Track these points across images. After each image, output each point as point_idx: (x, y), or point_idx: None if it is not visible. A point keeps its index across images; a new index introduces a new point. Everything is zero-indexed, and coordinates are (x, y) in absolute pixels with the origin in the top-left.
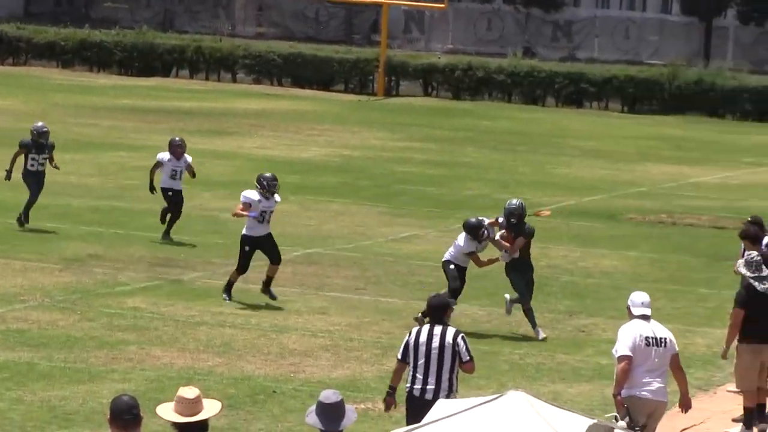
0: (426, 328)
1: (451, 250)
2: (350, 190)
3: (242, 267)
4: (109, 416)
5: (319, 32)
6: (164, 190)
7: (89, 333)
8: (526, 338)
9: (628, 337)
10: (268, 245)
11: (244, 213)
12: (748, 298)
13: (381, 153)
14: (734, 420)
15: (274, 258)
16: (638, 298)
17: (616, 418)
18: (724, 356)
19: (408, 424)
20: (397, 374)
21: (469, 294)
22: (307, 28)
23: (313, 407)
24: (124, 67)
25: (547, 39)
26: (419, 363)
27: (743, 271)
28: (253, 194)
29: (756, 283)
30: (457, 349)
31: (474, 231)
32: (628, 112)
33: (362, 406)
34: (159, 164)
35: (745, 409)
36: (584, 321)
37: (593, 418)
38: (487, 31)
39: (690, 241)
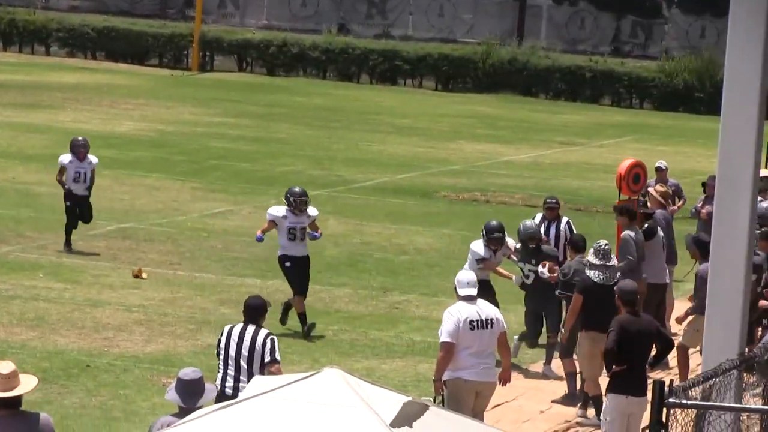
0: (239, 327)
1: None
2: (164, 165)
3: (296, 285)
4: None
5: (133, 6)
6: (66, 196)
7: None
8: (339, 313)
9: (450, 322)
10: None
11: (259, 233)
12: (585, 286)
13: (195, 128)
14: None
15: (302, 287)
16: (464, 277)
17: (434, 400)
18: (564, 339)
19: None
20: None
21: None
22: (122, 1)
23: (173, 384)
24: None
25: (362, 16)
26: (230, 362)
27: (591, 258)
28: (278, 210)
29: (594, 272)
30: (264, 349)
31: (491, 232)
32: (442, 90)
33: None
34: (63, 169)
35: (588, 396)
36: (398, 298)
37: (408, 395)
38: (301, 7)
39: (503, 219)
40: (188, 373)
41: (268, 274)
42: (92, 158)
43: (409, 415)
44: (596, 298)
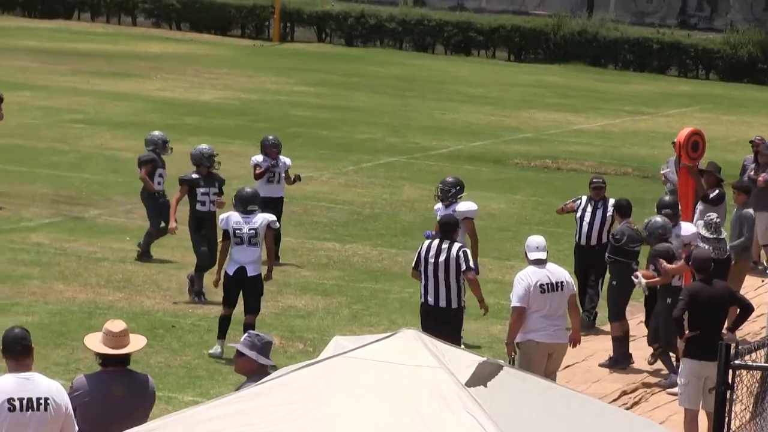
0: (435, 243)
1: None
2: (247, 133)
3: None
4: (1, 348)
5: None
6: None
7: None
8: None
9: (521, 287)
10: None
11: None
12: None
13: (276, 97)
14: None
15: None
16: (533, 242)
17: (508, 362)
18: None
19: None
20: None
21: (361, 235)
22: None
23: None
24: (26, 9)
25: None
26: (429, 274)
27: (702, 231)
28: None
29: (706, 246)
30: (459, 260)
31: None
32: (514, 60)
33: None
34: (257, 167)
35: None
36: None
37: (482, 356)
38: None
39: (573, 185)
40: (264, 336)
41: (346, 238)
42: (285, 159)
43: (483, 375)
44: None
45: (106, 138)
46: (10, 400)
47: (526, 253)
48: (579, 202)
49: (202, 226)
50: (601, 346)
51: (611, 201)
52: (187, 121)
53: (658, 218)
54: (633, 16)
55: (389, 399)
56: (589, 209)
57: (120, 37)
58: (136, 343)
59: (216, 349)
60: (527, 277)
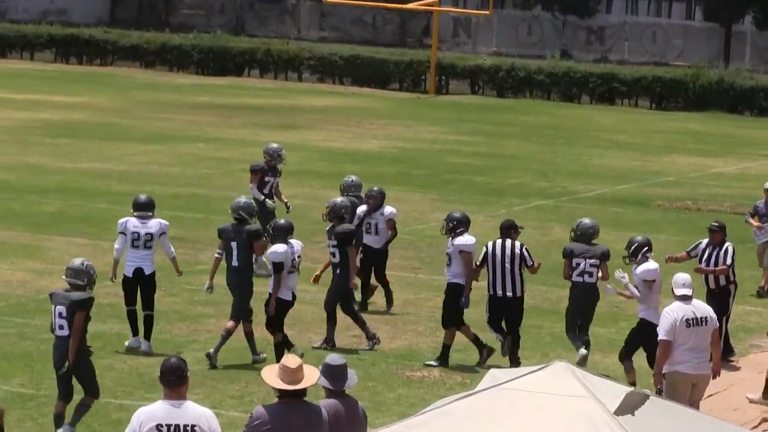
0: (499, 242)
1: None
2: (405, 179)
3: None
4: (159, 375)
5: (376, 36)
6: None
7: (172, 307)
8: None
9: (668, 321)
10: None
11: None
12: None
13: (433, 145)
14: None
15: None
16: (680, 279)
17: (654, 392)
18: None
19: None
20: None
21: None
22: (366, 32)
23: (320, 369)
24: (200, 67)
25: (582, 43)
26: (497, 268)
27: None
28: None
29: None
30: (523, 255)
31: None
32: (655, 108)
33: (418, 373)
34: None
35: None
36: (617, 298)
37: (630, 387)
38: (527, 35)
39: None
40: (335, 359)
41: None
42: (388, 208)
43: (631, 404)
44: None
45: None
46: (158, 426)
47: (672, 289)
48: (700, 245)
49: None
50: (739, 376)
51: (728, 245)
52: (350, 169)
53: None
54: (767, 65)
55: (543, 427)
56: (707, 253)
57: (287, 92)
58: (311, 377)
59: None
60: (674, 312)
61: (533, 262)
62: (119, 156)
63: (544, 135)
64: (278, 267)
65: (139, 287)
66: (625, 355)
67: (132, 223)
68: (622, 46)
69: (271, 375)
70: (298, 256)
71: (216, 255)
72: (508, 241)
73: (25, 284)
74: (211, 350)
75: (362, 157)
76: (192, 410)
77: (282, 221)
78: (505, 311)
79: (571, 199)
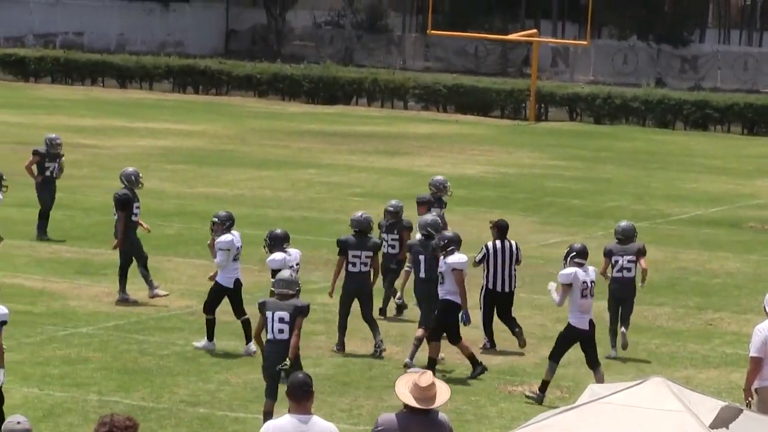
0: (498, 242)
1: None
2: (506, 203)
3: None
4: (286, 390)
5: (478, 66)
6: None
7: None
8: (661, 329)
9: (759, 339)
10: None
11: None
12: None
13: (532, 170)
14: None
15: None
16: None
17: (746, 406)
18: None
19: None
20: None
21: None
22: (468, 62)
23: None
24: (311, 96)
25: (676, 71)
26: (498, 264)
27: None
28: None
29: None
30: (518, 252)
31: None
32: (747, 134)
33: (519, 389)
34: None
35: None
36: (711, 315)
37: (724, 401)
38: (623, 64)
39: None
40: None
41: (598, 295)
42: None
43: (725, 418)
44: None
45: (381, 210)
46: None
47: (765, 307)
48: None
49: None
50: None
51: None
52: (456, 193)
53: None
54: None
55: None
56: None
57: (393, 120)
58: (442, 396)
59: None
60: (764, 329)
61: (521, 258)
62: (234, 181)
63: (640, 160)
64: (275, 274)
65: (233, 296)
66: (552, 356)
67: (237, 238)
68: (715, 74)
69: (404, 390)
70: (297, 263)
71: (406, 269)
72: (506, 242)
73: (146, 303)
74: (408, 360)
75: (465, 182)
76: (318, 425)
77: (278, 231)
78: (500, 304)
79: (666, 221)
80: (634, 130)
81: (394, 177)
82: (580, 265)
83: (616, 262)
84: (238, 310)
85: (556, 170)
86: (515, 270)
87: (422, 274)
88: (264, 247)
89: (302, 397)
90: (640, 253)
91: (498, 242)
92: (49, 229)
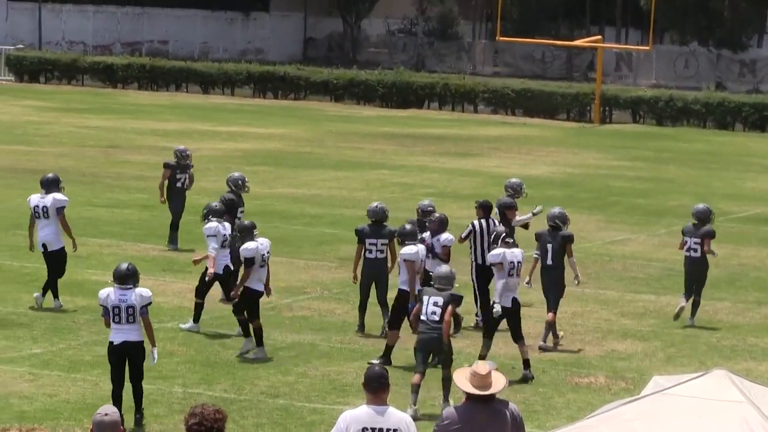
0: (483, 221)
1: None
2: (572, 201)
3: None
4: (363, 382)
5: (545, 71)
6: None
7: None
8: (721, 323)
9: None
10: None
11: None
12: None
13: (597, 171)
14: None
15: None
16: None
17: None
18: None
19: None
20: None
21: (674, 288)
22: (535, 67)
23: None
24: (385, 100)
25: (735, 75)
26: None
27: None
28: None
29: None
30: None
31: None
32: None
33: (585, 380)
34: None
35: None
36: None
37: None
38: (684, 69)
39: None
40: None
41: (660, 291)
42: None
43: None
44: None
45: (452, 208)
46: (364, 429)
47: None
48: None
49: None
50: None
51: None
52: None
53: None
54: None
55: (703, 430)
56: None
57: (463, 123)
58: (498, 383)
59: None
60: None
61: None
62: (312, 182)
63: (701, 160)
64: (249, 262)
65: (223, 282)
66: (486, 333)
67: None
68: None
69: (462, 379)
70: (267, 252)
71: (534, 255)
72: (491, 220)
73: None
74: (541, 342)
75: (533, 182)
76: (394, 415)
77: (246, 222)
78: (488, 276)
79: (726, 219)
80: (695, 131)
81: (464, 177)
82: (508, 245)
83: (686, 242)
84: (228, 295)
85: (620, 170)
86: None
87: (549, 262)
88: (202, 218)
89: (379, 389)
90: (706, 235)
91: (483, 221)
92: (136, 228)
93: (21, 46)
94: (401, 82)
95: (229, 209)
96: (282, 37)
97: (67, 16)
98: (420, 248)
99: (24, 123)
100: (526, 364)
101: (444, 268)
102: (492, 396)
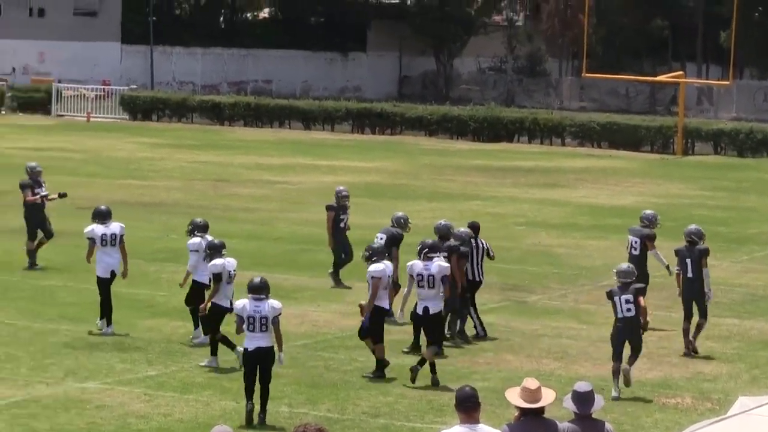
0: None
1: None
2: (658, 230)
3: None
4: (455, 402)
5: (629, 105)
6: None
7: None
8: None
9: None
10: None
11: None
12: None
13: (680, 200)
14: None
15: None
16: None
17: None
18: None
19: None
20: None
21: (757, 312)
22: (620, 101)
23: (569, 395)
24: (476, 134)
25: None
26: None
27: None
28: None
29: None
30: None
31: None
32: None
33: (672, 401)
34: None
35: None
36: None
37: None
38: (764, 102)
39: None
40: (582, 386)
41: (744, 315)
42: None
43: None
44: None
45: (542, 237)
46: None
47: None
48: None
49: None
50: None
51: None
52: (610, 222)
53: None
54: None
55: None
56: None
57: (551, 155)
58: (548, 397)
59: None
60: None
61: (493, 253)
62: (408, 212)
63: None
64: (217, 277)
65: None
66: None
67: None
68: None
69: (513, 395)
70: (234, 270)
71: (675, 270)
72: (479, 240)
73: (330, 324)
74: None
75: (620, 212)
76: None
77: (216, 241)
78: (473, 290)
79: None
80: None
81: (553, 207)
82: (430, 259)
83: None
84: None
85: (702, 200)
86: (483, 263)
87: (690, 274)
88: (205, 254)
89: (471, 408)
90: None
91: (472, 240)
92: (244, 256)
93: (134, 86)
94: (492, 117)
95: (394, 242)
96: (378, 76)
97: (177, 58)
98: (387, 265)
99: (138, 159)
100: (432, 367)
101: (623, 265)
102: (542, 411)
